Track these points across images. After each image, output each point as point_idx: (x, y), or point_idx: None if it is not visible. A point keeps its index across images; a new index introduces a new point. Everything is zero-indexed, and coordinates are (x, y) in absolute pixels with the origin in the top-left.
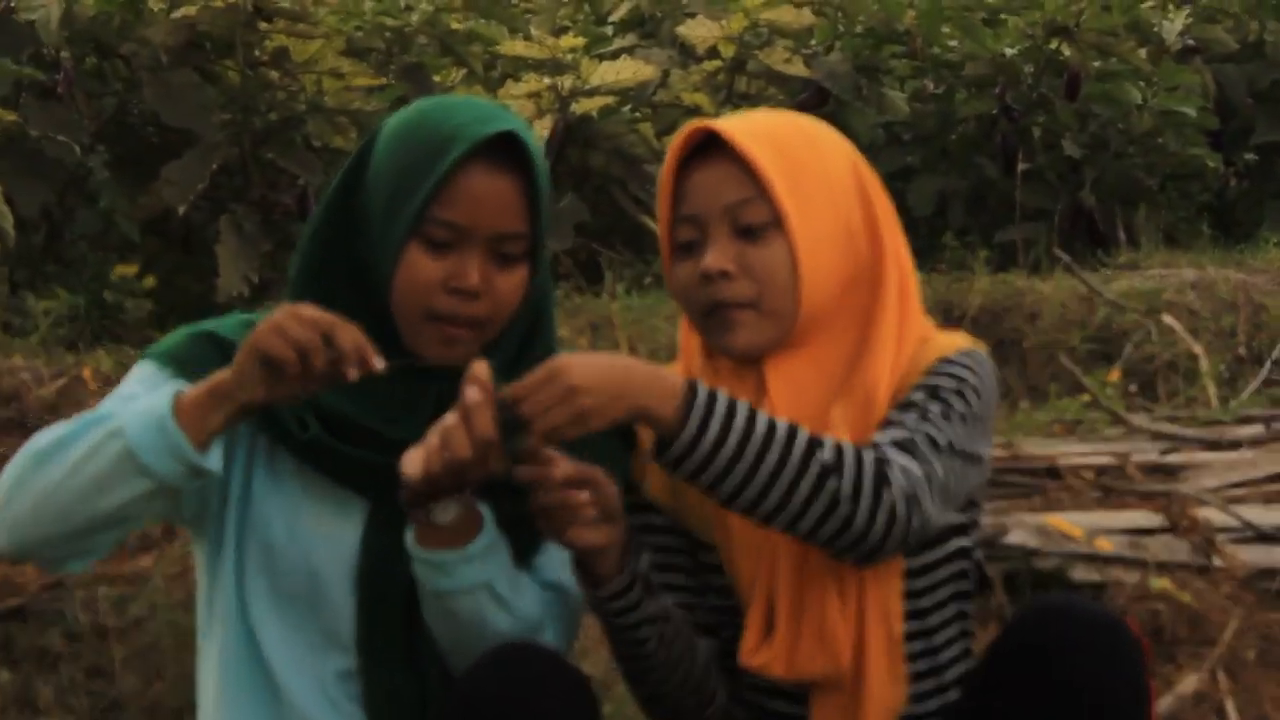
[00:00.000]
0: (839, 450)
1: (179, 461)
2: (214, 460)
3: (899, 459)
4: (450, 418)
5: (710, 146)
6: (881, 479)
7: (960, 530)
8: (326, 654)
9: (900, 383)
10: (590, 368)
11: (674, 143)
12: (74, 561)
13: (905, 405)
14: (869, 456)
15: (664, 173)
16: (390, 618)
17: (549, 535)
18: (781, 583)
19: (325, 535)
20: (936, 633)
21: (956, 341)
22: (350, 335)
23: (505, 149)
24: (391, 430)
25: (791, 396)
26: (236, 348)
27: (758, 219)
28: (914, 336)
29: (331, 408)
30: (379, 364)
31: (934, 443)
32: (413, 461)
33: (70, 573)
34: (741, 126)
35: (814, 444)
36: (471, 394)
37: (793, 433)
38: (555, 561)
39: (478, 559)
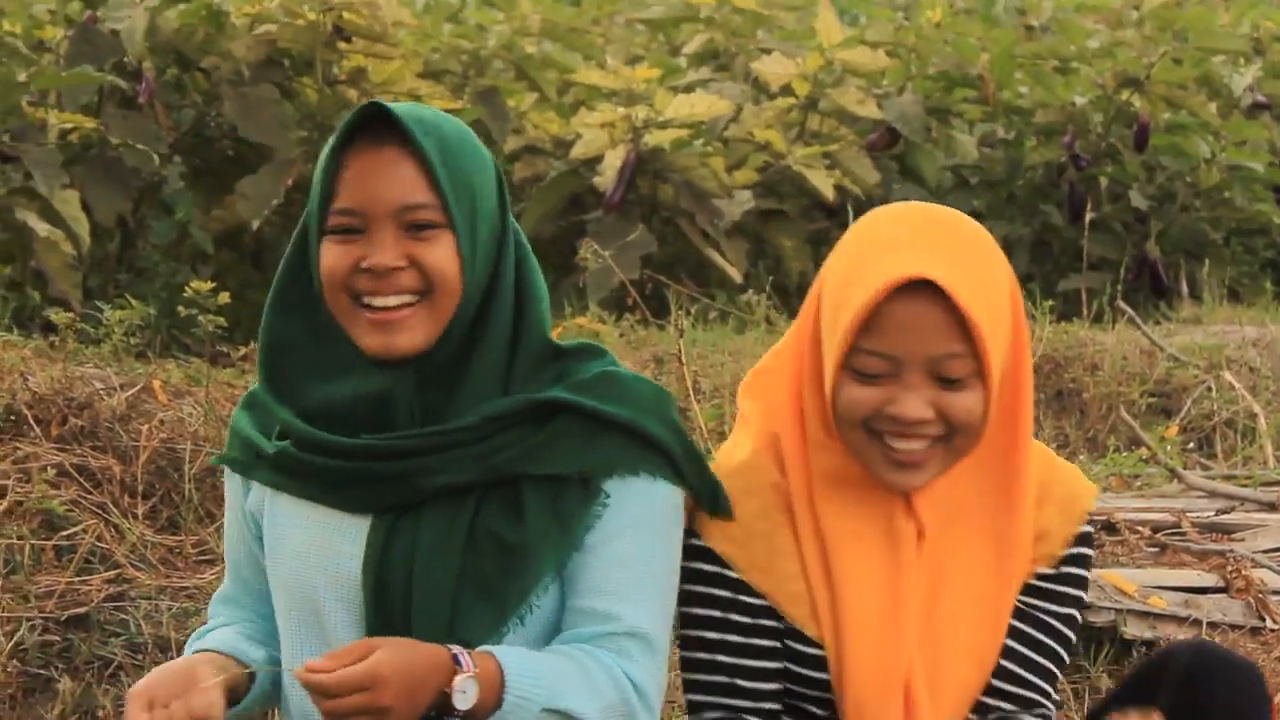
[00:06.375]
0: None
1: None
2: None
3: None
4: None
5: (917, 282)
6: None
7: None
8: None
9: (1041, 530)
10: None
11: (885, 280)
12: None
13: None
14: None
15: (864, 300)
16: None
17: None
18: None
19: (322, 561)
20: None
21: (1083, 492)
22: None
23: (386, 130)
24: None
25: (942, 526)
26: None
27: (963, 372)
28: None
29: (299, 430)
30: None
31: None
32: None
33: None
34: (956, 275)
35: None
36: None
37: None
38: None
39: (511, 714)
